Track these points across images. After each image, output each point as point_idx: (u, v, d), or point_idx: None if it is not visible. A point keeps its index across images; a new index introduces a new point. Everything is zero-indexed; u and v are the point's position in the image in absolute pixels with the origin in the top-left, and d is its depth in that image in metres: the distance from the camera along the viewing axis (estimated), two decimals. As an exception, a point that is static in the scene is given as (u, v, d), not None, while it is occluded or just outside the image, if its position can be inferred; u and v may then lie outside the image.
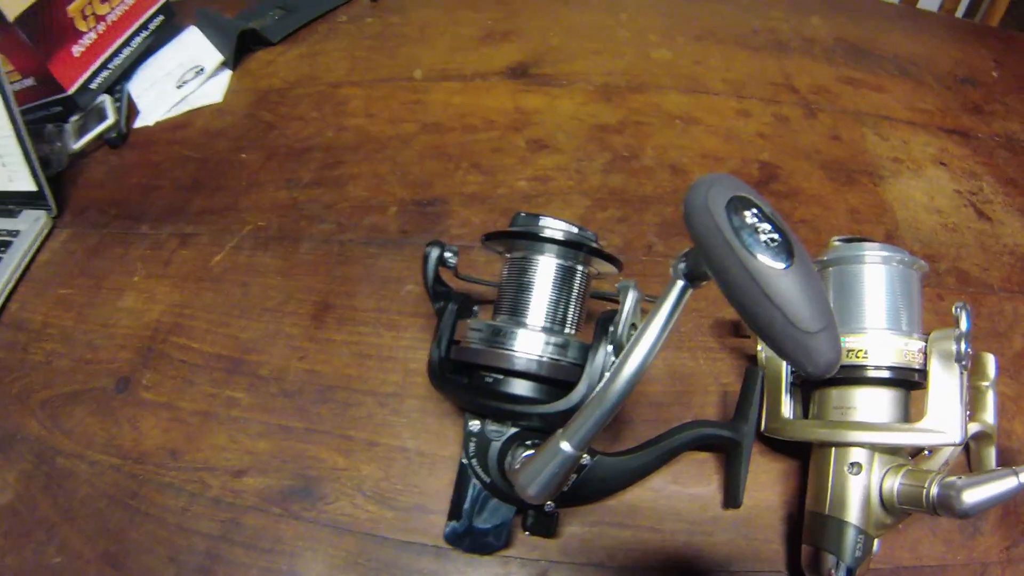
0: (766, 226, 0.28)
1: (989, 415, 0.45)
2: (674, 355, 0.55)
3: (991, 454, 0.45)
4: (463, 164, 0.68)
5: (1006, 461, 0.49)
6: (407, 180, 0.68)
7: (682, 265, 0.31)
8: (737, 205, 0.28)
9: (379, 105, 0.76)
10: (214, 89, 0.80)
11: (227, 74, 0.82)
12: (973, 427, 0.45)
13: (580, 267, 0.46)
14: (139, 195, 0.72)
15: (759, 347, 0.50)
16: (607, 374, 0.35)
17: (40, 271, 0.67)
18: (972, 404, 0.47)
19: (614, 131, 0.69)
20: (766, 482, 0.49)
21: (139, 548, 0.50)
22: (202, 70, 0.81)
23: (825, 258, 0.47)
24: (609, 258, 0.45)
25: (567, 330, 0.46)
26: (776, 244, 0.27)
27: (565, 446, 0.34)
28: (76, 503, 0.53)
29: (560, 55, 0.79)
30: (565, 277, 0.45)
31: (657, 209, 0.63)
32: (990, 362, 0.45)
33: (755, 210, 0.28)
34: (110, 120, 0.77)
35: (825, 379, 0.43)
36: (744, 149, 0.68)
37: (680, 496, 0.49)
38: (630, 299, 0.41)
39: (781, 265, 0.27)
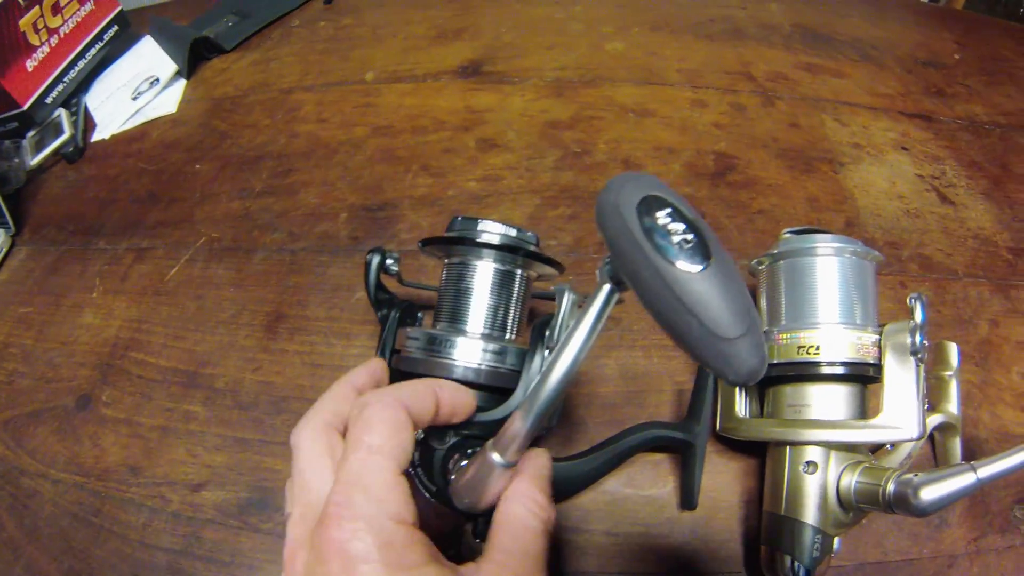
0: (679, 226, 0.26)
1: (952, 405, 0.44)
2: (627, 354, 0.55)
3: (956, 445, 0.45)
4: (413, 167, 0.69)
5: (972, 451, 0.48)
6: (358, 185, 0.68)
7: (607, 268, 0.30)
8: (650, 205, 0.27)
9: (331, 110, 0.76)
10: (169, 100, 0.80)
11: (182, 83, 0.82)
12: (936, 418, 0.44)
13: (519, 271, 0.46)
14: (96, 209, 0.72)
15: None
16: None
17: (0, 290, 0.68)
18: (935, 394, 0.46)
19: (565, 127, 0.69)
20: (723, 482, 0.49)
21: (103, 565, 0.51)
22: (157, 80, 0.81)
23: (776, 251, 0.45)
24: (549, 261, 0.45)
25: (507, 336, 0.46)
26: (691, 245, 0.26)
27: (495, 457, 0.33)
28: (41, 522, 0.54)
29: (512, 51, 0.79)
30: (504, 282, 0.45)
31: (605, 206, 0.63)
32: (952, 351, 0.44)
33: (669, 210, 0.27)
34: (67, 135, 0.77)
35: (776, 376, 0.43)
36: (699, 140, 0.67)
37: (635, 499, 0.49)
38: (566, 301, 0.41)
39: (697, 267, 0.25)
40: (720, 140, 0.68)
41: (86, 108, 0.81)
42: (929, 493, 0.34)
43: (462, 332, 0.45)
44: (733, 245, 0.60)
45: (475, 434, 0.44)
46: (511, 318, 0.46)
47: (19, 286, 0.68)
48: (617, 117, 0.71)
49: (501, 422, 0.41)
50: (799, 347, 0.42)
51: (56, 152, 0.77)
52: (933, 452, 0.49)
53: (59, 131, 0.77)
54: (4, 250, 0.70)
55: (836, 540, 0.40)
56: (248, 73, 0.83)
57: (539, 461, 0.36)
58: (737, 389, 0.47)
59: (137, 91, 0.81)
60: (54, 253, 0.69)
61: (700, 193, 0.64)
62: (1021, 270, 0.60)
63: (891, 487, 0.37)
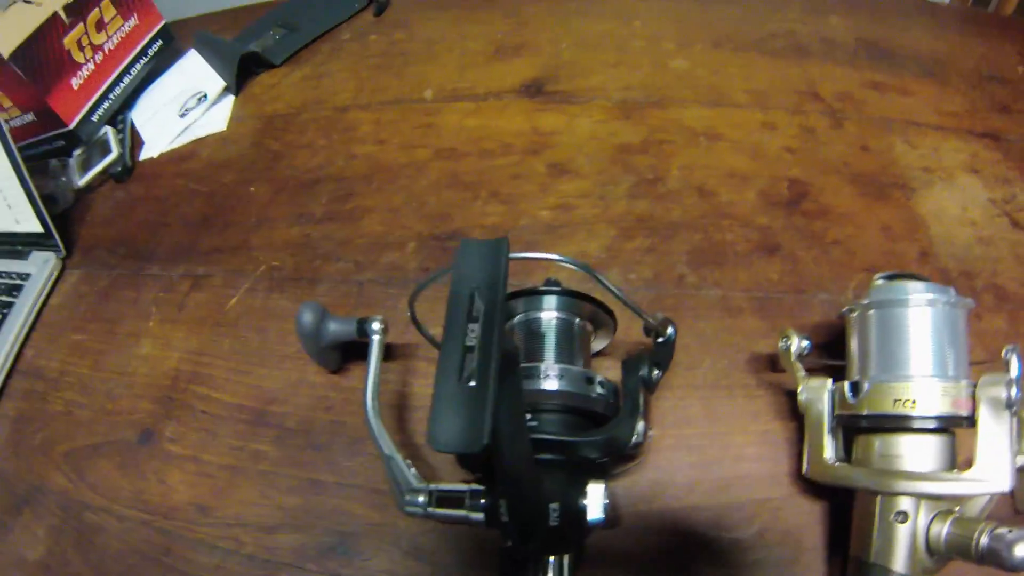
0: None
1: None
2: (711, 393, 0.53)
3: None
4: (481, 193, 0.66)
5: None
6: (423, 212, 0.66)
7: None
8: None
9: (389, 130, 0.73)
10: (218, 117, 0.78)
11: (230, 100, 0.80)
12: (1019, 460, 0.42)
13: None
14: (147, 233, 0.70)
15: (799, 388, 0.48)
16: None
17: (52, 315, 0.66)
18: (1018, 437, 0.44)
19: (637, 151, 0.67)
20: (808, 523, 0.48)
21: (176, 607, 0.50)
22: (204, 96, 0.79)
23: (867, 300, 0.45)
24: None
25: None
26: None
27: None
28: (108, 559, 0.52)
29: (575, 69, 0.77)
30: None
31: (686, 236, 0.61)
32: None
33: None
34: (114, 154, 0.75)
35: (870, 423, 0.43)
36: (772, 166, 0.65)
37: (721, 540, 0.48)
38: None
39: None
40: (792, 166, 0.66)
41: (133, 125, 0.79)
42: (1023, 550, 0.35)
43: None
44: (810, 278, 0.58)
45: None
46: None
47: (72, 311, 0.66)
48: (688, 141, 0.68)
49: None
50: (895, 400, 0.42)
51: (104, 171, 0.75)
52: (1012, 495, 0.46)
53: (106, 149, 0.75)
54: (55, 274, 0.67)
55: None
56: (299, 89, 0.80)
57: None
58: (825, 432, 0.46)
59: (185, 107, 0.79)
60: (106, 278, 0.67)
61: (775, 223, 0.62)
62: None
63: (984, 541, 0.37)
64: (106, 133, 0.76)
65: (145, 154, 0.77)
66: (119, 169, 0.74)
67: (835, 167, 0.65)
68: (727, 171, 0.65)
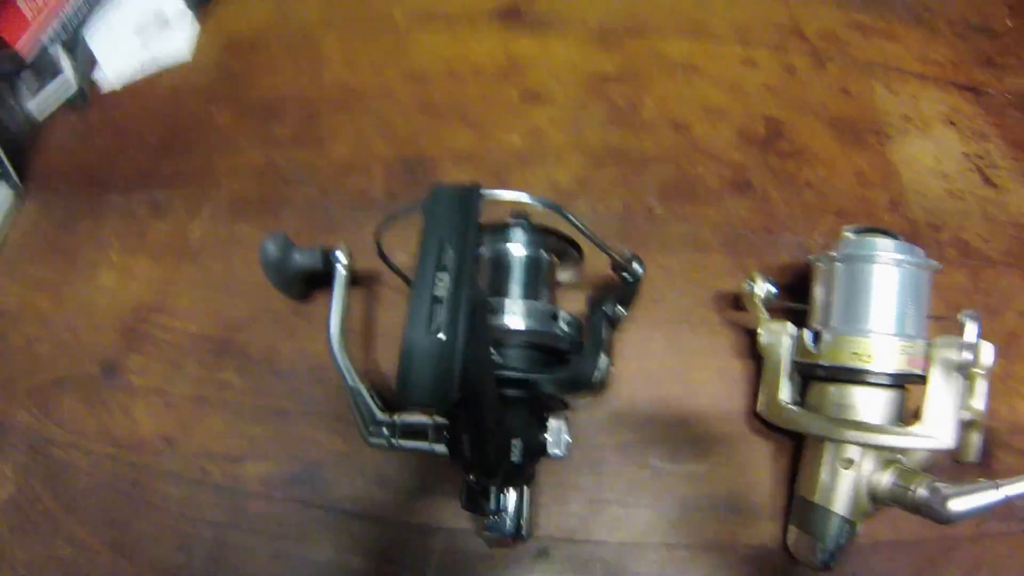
0: None
1: (980, 402, 0.44)
2: (674, 328, 0.54)
3: (977, 440, 0.45)
4: (451, 118, 0.64)
5: (987, 442, 0.49)
6: (391, 137, 0.64)
7: None
8: None
9: (358, 52, 0.70)
10: (179, 40, 0.73)
11: (191, 21, 0.75)
12: (963, 414, 0.44)
13: None
14: (106, 160, 0.67)
15: (760, 331, 0.48)
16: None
17: (11, 251, 0.64)
18: (966, 395, 0.46)
19: (612, 80, 0.65)
20: (759, 459, 0.49)
21: (147, 537, 0.50)
22: (164, 17, 0.75)
23: (836, 253, 0.45)
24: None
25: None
26: None
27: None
28: (78, 495, 0.52)
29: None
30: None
31: (658, 169, 0.59)
32: (988, 352, 0.43)
33: None
34: (69, 79, 0.71)
35: (826, 373, 0.44)
36: (749, 103, 0.63)
37: (675, 472, 0.49)
38: None
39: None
40: (770, 104, 0.64)
41: (88, 48, 0.74)
42: (956, 505, 0.37)
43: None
44: (780, 218, 0.58)
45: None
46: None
47: (30, 246, 0.64)
48: (665, 72, 0.66)
49: None
50: (852, 353, 0.43)
51: (59, 98, 0.71)
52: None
53: (60, 74, 0.71)
54: (11, 207, 0.65)
55: (859, 526, 0.43)
56: (264, 8, 0.76)
57: None
58: (782, 375, 0.47)
59: (142, 29, 0.74)
60: (64, 209, 0.65)
61: (749, 161, 0.61)
62: None
63: (922, 492, 0.39)
64: (59, 57, 0.72)
65: (102, 79, 0.73)
66: (75, 96, 0.71)
67: (813, 108, 0.64)
68: (704, 105, 0.63)
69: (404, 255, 0.55)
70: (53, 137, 0.70)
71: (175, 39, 0.74)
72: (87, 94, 0.72)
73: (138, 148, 0.67)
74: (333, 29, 0.72)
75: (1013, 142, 0.64)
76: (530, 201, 0.39)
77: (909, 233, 0.58)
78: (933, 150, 0.63)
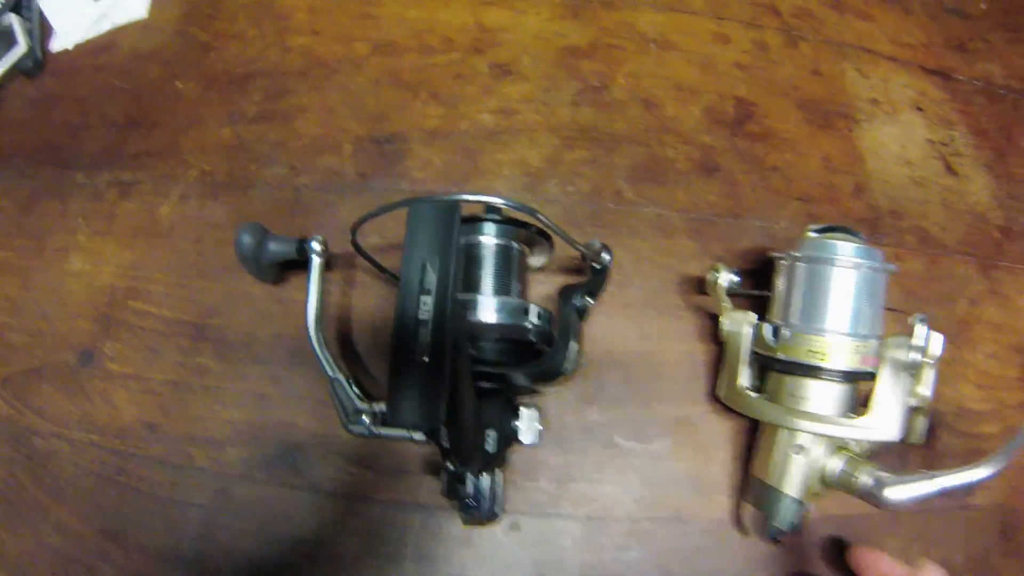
0: None
1: (927, 389, 0.46)
2: (640, 312, 0.55)
3: (923, 424, 0.48)
4: (421, 93, 0.63)
5: (935, 425, 0.52)
6: (361, 112, 0.63)
7: None
8: None
9: (325, 19, 0.68)
10: (136, 2, 0.71)
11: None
12: (911, 401, 0.47)
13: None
14: (68, 136, 0.66)
15: (723, 319, 0.50)
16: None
17: (-29, 235, 0.63)
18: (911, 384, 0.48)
19: (583, 55, 0.64)
20: (718, 439, 0.52)
21: (135, 522, 0.52)
22: (117, -27, 0.71)
23: (798, 252, 0.47)
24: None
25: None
26: None
27: None
28: (64, 483, 0.53)
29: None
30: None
31: (628, 150, 0.60)
32: (937, 342, 0.45)
33: None
34: (21, 46, 0.68)
35: (783, 367, 0.47)
36: (720, 82, 0.63)
37: (638, 451, 0.52)
38: None
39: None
40: (741, 83, 0.64)
41: (40, 10, 0.71)
42: (894, 494, 0.41)
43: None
44: (747, 202, 0.59)
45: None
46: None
47: (-7, 226, 0.63)
48: (637, 47, 0.65)
49: None
50: (808, 350, 0.45)
51: (11, 66, 0.68)
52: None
53: (12, 41, 0.68)
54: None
55: (810, 505, 0.46)
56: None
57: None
58: (741, 362, 0.49)
59: (95, -16, 0.71)
60: (27, 188, 0.64)
61: (718, 143, 0.61)
62: (1006, 249, 0.61)
63: (865, 480, 0.42)
64: (10, 22, 0.69)
65: (57, 45, 0.70)
66: (29, 64, 0.68)
67: (784, 89, 0.64)
68: (675, 83, 0.63)
69: (376, 237, 0.56)
70: (8, 110, 0.68)
71: (133, 1, 0.71)
72: (43, 63, 0.70)
73: (101, 124, 0.66)
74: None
75: (977, 130, 0.65)
76: (504, 204, 0.40)
77: (871, 220, 0.59)
78: (899, 136, 0.64)
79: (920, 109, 0.65)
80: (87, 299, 0.58)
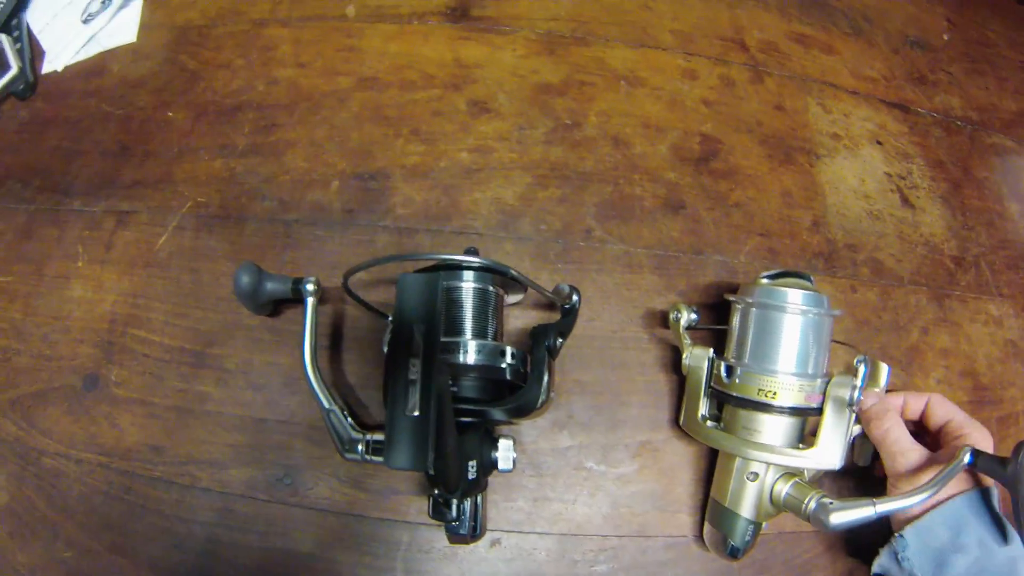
0: None
1: None
2: (607, 344, 0.60)
3: (867, 447, 0.54)
4: (403, 130, 0.67)
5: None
6: (346, 148, 0.66)
7: None
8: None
9: (310, 51, 0.71)
10: (126, 25, 0.73)
11: (138, 4, 0.74)
12: (856, 428, 0.52)
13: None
14: (61, 162, 0.68)
15: (684, 355, 0.56)
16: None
17: (-29, 257, 0.65)
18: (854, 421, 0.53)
19: (556, 92, 0.68)
20: (681, 462, 0.58)
21: (143, 538, 0.56)
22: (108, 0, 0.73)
23: (751, 299, 0.52)
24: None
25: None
26: None
27: None
28: (72, 501, 0.57)
29: (502, -9, 0.74)
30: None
31: (597, 188, 0.64)
32: (883, 373, 0.51)
33: None
34: (13, 68, 0.70)
35: (737, 402, 0.52)
36: (687, 119, 0.68)
37: (607, 474, 0.57)
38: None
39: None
40: (707, 119, 0.68)
41: (30, 31, 0.73)
42: (837, 518, 0.45)
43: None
44: (709, 239, 0.64)
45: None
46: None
47: (-7, 250, 0.65)
48: (608, 84, 0.69)
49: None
50: (759, 389, 0.50)
51: (3, 88, 0.70)
52: (851, 451, 0.56)
53: (3, 63, 0.70)
54: (-32, 209, 0.66)
55: (765, 524, 0.51)
56: (211, -7, 0.75)
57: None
58: (702, 395, 0.55)
59: (87, 12, 0.73)
60: (23, 214, 0.66)
61: (683, 180, 0.66)
62: (958, 279, 0.66)
63: (812, 505, 0.47)
64: (1, 43, 0.70)
65: (47, 66, 0.72)
66: (20, 85, 0.70)
67: (748, 125, 0.68)
68: (643, 120, 0.67)
69: (364, 273, 0.60)
70: (2, 132, 0.70)
71: (123, 24, 0.73)
72: (34, 85, 0.71)
73: (94, 150, 0.68)
74: (285, 25, 0.73)
75: (934, 162, 0.70)
76: (482, 267, 0.44)
77: (827, 254, 0.64)
78: (858, 170, 0.68)
79: (879, 143, 0.70)
80: (89, 325, 0.61)
